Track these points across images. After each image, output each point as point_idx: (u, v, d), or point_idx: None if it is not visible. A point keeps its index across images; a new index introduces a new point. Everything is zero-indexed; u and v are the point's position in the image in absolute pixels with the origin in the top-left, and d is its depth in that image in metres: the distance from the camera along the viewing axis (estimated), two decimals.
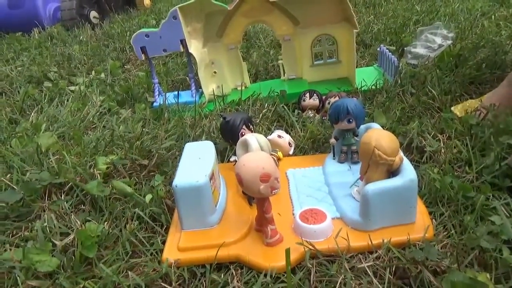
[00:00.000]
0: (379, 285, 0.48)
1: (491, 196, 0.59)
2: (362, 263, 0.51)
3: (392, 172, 0.57)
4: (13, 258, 0.55)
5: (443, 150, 0.69)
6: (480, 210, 0.55)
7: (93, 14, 2.29)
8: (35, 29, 2.14)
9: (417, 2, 1.85)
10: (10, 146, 0.87)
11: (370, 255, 0.52)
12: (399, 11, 1.72)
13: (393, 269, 0.50)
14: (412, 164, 0.56)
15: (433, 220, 0.57)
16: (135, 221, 0.63)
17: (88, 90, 1.22)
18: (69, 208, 0.67)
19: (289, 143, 0.76)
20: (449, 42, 1.15)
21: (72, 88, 1.27)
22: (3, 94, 1.31)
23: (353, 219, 0.56)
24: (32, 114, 1.06)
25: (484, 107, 0.77)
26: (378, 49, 1.14)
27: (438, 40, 1.15)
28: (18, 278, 0.53)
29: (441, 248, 0.52)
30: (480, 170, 0.63)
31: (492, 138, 0.68)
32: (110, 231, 0.61)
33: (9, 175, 0.74)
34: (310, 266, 0.51)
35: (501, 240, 0.50)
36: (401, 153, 0.56)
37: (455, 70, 1.01)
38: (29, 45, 1.93)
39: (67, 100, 1.14)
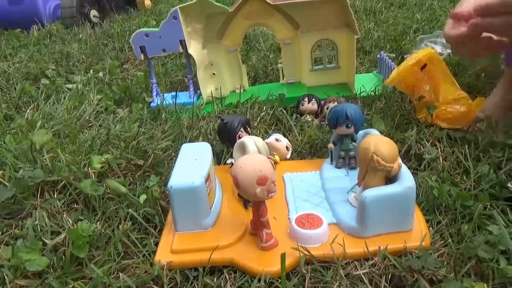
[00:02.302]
0: None
1: (488, 206, 0.58)
2: (357, 270, 0.50)
3: (390, 178, 0.56)
4: (1, 256, 0.54)
5: (441, 158, 0.69)
6: (477, 219, 0.55)
7: (93, 13, 2.29)
8: (34, 26, 2.13)
9: (417, 10, 1.86)
10: (4, 143, 0.86)
11: (366, 262, 0.51)
12: (399, 19, 1.73)
13: (389, 277, 0.49)
14: (410, 171, 0.55)
15: (430, 228, 0.56)
16: (128, 221, 0.62)
17: (85, 88, 1.21)
18: (61, 206, 0.66)
19: (287, 147, 0.76)
20: (449, 51, 1.15)
21: (70, 86, 1.26)
22: (0, 90, 1.30)
23: (350, 225, 0.55)
24: (28, 111, 1.05)
25: (481, 118, 0.77)
26: (378, 55, 1.14)
27: (438, 48, 1.15)
28: (6, 277, 0.52)
29: (438, 257, 0.52)
30: (478, 179, 0.63)
31: (489, 147, 0.68)
32: (102, 231, 0.60)
33: (1, 171, 0.73)
34: (305, 272, 0.50)
35: (499, 250, 0.49)
36: (399, 160, 0.56)
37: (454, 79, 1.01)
38: (28, 41, 1.91)
39: (64, 98, 1.13)
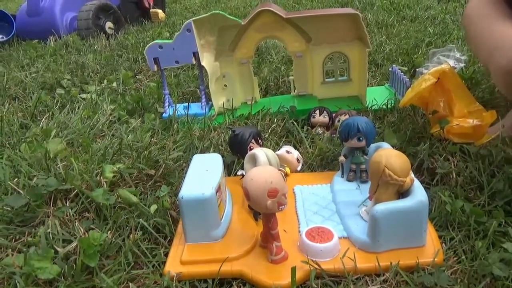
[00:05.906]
0: None
1: (503, 222, 0.57)
2: (368, 285, 0.50)
3: (402, 193, 0.56)
4: (14, 263, 0.55)
5: (454, 173, 0.68)
6: (492, 236, 0.54)
7: (109, 24, 2.33)
8: (51, 37, 2.18)
9: (429, 24, 1.85)
10: (19, 151, 0.87)
11: (377, 278, 0.51)
12: (411, 32, 1.72)
13: None
14: (423, 186, 0.55)
15: (443, 244, 0.55)
16: (138, 231, 0.62)
17: (99, 98, 1.23)
18: (73, 215, 0.66)
19: (297, 159, 0.76)
20: (462, 65, 1.14)
21: (84, 96, 1.28)
22: (16, 99, 1.33)
23: (361, 240, 0.55)
24: (43, 120, 1.07)
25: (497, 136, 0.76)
26: (390, 69, 1.14)
27: (451, 62, 1.14)
28: (18, 284, 0.52)
29: (451, 274, 0.51)
30: (492, 195, 0.62)
31: (503, 163, 0.67)
32: (113, 240, 0.60)
33: (16, 179, 0.74)
34: (315, 286, 0.50)
35: None
36: (411, 174, 0.55)
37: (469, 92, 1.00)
38: (45, 52, 1.96)
39: (78, 108, 1.15)
